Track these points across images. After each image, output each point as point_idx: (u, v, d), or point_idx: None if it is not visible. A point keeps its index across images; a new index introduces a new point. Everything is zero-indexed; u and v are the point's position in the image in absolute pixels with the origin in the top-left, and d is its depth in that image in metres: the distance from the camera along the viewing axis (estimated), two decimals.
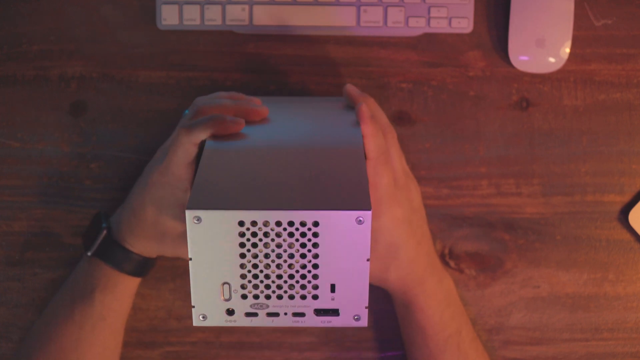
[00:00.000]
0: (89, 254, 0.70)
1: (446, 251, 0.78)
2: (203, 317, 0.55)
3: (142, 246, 0.69)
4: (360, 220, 0.52)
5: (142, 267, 0.71)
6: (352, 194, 0.53)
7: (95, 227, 0.71)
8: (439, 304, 0.70)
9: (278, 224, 0.52)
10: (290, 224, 0.52)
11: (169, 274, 0.77)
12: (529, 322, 0.78)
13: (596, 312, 0.78)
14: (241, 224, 0.52)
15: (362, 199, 0.53)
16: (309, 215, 0.51)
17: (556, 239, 0.78)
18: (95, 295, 0.69)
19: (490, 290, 0.78)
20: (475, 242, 0.78)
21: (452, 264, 0.78)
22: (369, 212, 0.51)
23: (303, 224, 0.52)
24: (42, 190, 0.77)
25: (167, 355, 0.78)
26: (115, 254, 0.69)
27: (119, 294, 0.70)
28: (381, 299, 0.77)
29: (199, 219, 0.52)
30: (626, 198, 0.77)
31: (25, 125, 0.77)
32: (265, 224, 0.52)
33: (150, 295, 0.77)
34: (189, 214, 0.52)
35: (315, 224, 0.52)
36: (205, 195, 0.53)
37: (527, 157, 0.77)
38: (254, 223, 0.52)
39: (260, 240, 0.52)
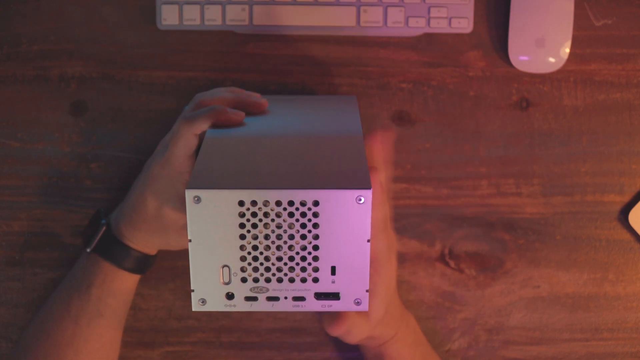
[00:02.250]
0: (88, 250, 0.70)
1: (446, 251, 0.78)
2: (202, 302, 0.54)
3: (143, 241, 0.69)
4: (360, 199, 0.51)
5: (141, 263, 0.71)
6: (352, 174, 0.53)
7: (94, 224, 0.71)
8: (409, 347, 0.71)
9: (278, 203, 0.51)
10: (290, 203, 0.51)
11: (169, 274, 0.77)
12: (529, 322, 0.78)
13: (596, 312, 0.78)
14: (241, 203, 0.51)
15: (362, 178, 0.52)
16: (309, 195, 0.51)
17: (556, 239, 0.78)
18: (92, 291, 0.69)
19: (490, 290, 0.78)
20: (475, 242, 0.78)
21: (452, 264, 0.78)
22: (369, 191, 0.51)
23: (303, 203, 0.51)
24: (42, 190, 0.77)
25: (167, 355, 0.78)
26: (114, 250, 0.69)
27: (116, 290, 0.70)
28: None
29: (198, 199, 0.51)
30: (626, 198, 0.77)
31: (25, 125, 0.77)
32: (265, 203, 0.51)
33: (150, 295, 0.77)
34: (189, 194, 0.51)
35: (316, 203, 0.51)
36: (205, 176, 0.53)
37: (527, 157, 0.77)
38: (253, 203, 0.51)
39: (260, 220, 0.52)
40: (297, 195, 0.51)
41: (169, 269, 0.77)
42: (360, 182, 0.52)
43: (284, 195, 0.51)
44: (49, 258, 0.77)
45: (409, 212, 0.77)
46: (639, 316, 0.78)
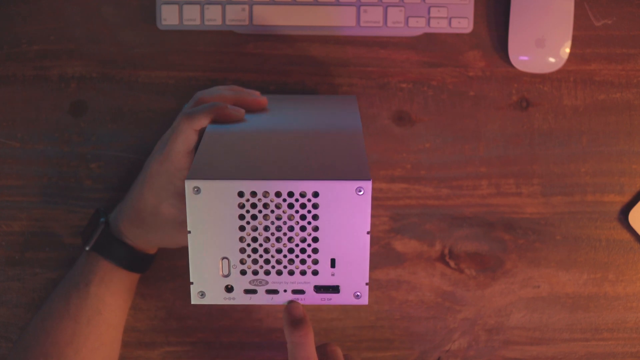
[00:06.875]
0: (87, 248, 0.70)
1: (446, 251, 0.78)
2: (201, 295, 0.54)
3: (141, 238, 0.69)
4: (360, 190, 0.51)
5: (139, 262, 0.71)
6: (352, 166, 0.53)
7: (93, 223, 0.71)
8: None
9: (278, 194, 0.51)
10: (290, 194, 0.51)
11: (169, 274, 0.77)
12: (529, 322, 0.78)
13: (596, 312, 0.78)
14: (241, 194, 0.51)
15: (361, 169, 0.52)
16: (308, 186, 0.51)
17: (556, 239, 0.78)
18: (91, 289, 0.69)
19: (490, 290, 0.78)
20: (475, 242, 0.78)
21: (452, 264, 0.78)
22: (369, 182, 0.51)
23: (303, 194, 0.51)
24: (42, 190, 0.77)
25: (167, 355, 0.78)
26: (113, 248, 0.69)
27: (115, 288, 0.70)
28: (381, 299, 0.77)
29: (198, 190, 0.51)
30: (626, 198, 0.77)
31: (25, 125, 0.77)
32: (265, 194, 0.51)
33: (150, 295, 0.77)
34: (189, 184, 0.51)
35: (315, 194, 0.51)
36: (204, 167, 0.53)
37: (527, 157, 0.77)
38: (253, 194, 0.51)
39: (260, 212, 0.52)
40: (297, 186, 0.51)
41: (169, 269, 0.77)
42: (360, 173, 0.52)
43: (284, 186, 0.51)
44: (49, 258, 0.77)
45: (409, 212, 0.77)
46: (639, 316, 0.78)
